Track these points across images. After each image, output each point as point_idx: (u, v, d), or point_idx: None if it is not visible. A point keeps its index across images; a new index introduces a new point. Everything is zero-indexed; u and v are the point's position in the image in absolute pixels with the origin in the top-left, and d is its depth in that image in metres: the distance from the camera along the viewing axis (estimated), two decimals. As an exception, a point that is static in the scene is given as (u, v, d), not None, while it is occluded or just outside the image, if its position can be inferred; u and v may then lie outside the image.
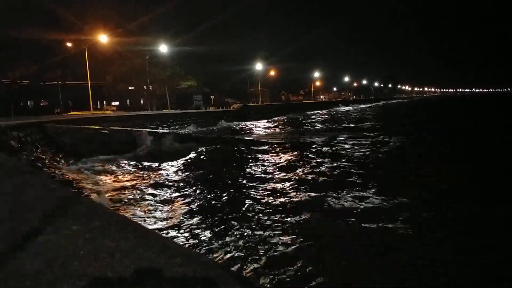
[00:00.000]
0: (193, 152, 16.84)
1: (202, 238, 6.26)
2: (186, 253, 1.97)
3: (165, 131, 25.97)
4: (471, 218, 7.07)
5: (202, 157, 15.58)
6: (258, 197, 8.89)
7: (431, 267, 5.14)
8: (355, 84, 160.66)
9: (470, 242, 5.95)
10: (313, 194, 9.03)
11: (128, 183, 10.85)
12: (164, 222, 7.14)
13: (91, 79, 40.65)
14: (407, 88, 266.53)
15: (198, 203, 8.51)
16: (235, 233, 6.44)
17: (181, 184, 10.65)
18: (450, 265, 5.19)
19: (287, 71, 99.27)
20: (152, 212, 7.86)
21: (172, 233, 6.54)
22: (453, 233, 6.32)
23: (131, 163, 14.39)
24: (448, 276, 4.93)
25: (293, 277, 4.87)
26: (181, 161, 14.65)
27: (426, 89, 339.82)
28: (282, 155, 15.39)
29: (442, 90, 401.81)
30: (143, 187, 10.26)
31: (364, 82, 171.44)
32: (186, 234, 6.47)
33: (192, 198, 9.00)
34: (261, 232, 6.46)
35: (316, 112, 65.53)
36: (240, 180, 10.90)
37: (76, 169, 12.94)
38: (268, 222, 6.98)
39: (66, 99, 46.32)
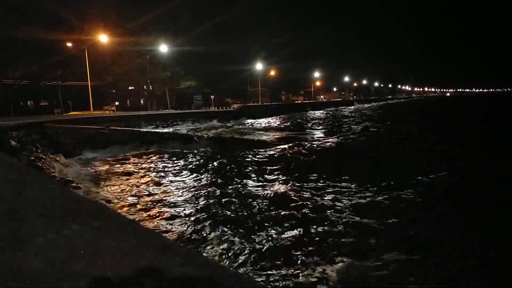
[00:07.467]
0: (194, 151, 16.84)
1: (202, 238, 6.25)
2: (186, 253, 1.97)
3: (165, 131, 25.99)
4: (471, 217, 7.07)
5: (202, 156, 15.57)
6: (259, 196, 8.88)
7: (432, 268, 5.13)
8: (355, 84, 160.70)
9: (469, 242, 5.94)
10: (315, 192, 9.03)
11: (129, 182, 10.85)
12: (165, 222, 7.14)
13: (91, 79, 40.68)
14: (407, 88, 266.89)
15: (199, 202, 8.51)
16: (236, 232, 6.44)
17: (181, 183, 10.64)
18: (449, 264, 5.18)
19: (287, 71, 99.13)
20: (153, 211, 7.86)
21: (172, 232, 6.54)
22: (452, 233, 6.32)
23: (132, 161, 14.38)
24: (448, 276, 4.93)
25: (294, 276, 4.86)
26: (181, 161, 14.65)
27: (426, 89, 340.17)
28: (282, 153, 15.37)
29: (442, 90, 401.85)
30: (143, 186, 10.26)
31: (364, 82, 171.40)
32: (187, 234, 6.47)
33: (192, 197, 8.99)
34: (263, 232, 6.46)
35: (315, 112, 65.48)
36: (240, 179, 10.89)
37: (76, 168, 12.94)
38: (269, 222, 6.97)
39: (66, 99, 46.35)
